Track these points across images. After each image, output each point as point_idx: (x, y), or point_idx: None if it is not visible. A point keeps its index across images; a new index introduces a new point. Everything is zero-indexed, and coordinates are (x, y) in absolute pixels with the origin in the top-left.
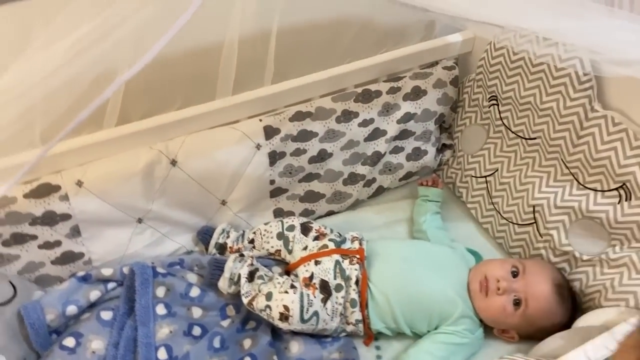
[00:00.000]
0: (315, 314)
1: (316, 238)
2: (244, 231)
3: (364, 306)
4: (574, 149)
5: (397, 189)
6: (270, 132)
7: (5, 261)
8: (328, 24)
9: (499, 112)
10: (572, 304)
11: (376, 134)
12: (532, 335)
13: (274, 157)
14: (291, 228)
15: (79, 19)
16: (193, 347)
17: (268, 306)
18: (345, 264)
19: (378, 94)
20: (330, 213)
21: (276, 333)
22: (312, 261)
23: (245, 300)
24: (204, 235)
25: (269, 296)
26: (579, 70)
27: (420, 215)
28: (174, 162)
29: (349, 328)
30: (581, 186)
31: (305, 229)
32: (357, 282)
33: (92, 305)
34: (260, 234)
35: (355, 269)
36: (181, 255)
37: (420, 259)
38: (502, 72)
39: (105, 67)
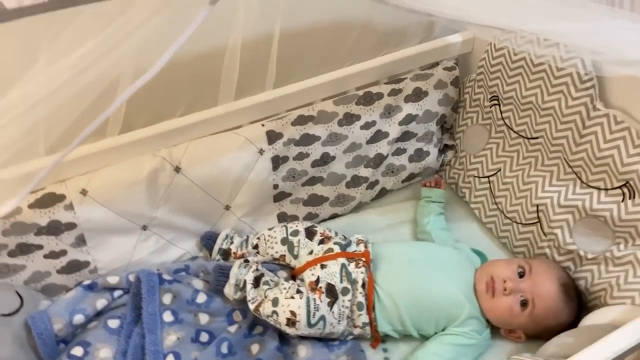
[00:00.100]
0: (322, 318)
1: (321, 242)
2: (247, 236)
3: (370, 309)
4: (576, 147)
5: (400, 190)
6: (272, 136)
7: (12, 271)
8: (329, 27)
9: (501, 112)
10: (578, 303)
11: (378, 136)
12: (539, 334)
13: (277, 161)
14: (295, 233)
15: (85, 34)
16: (201, 354)
17: (275, 312)
18: (351, 267)
19: (379, 96)
20: (334, 216)
21: (283, 337)
22: (318, 265)
23: (251, 307)
24: (208, 241)
25: (275, 302)
26: (580, 70)
27: (424, 217)
28: (177, 169)
29: (356, 331)
30: (584, 185)
31: (310, 233)
32: (363, 285)
33: (98, 314)
34: (265, 239)
35: (362, 272)
36: (186, 262)
37: (426, 261)
38: (503, 72)
39: (110, 81)
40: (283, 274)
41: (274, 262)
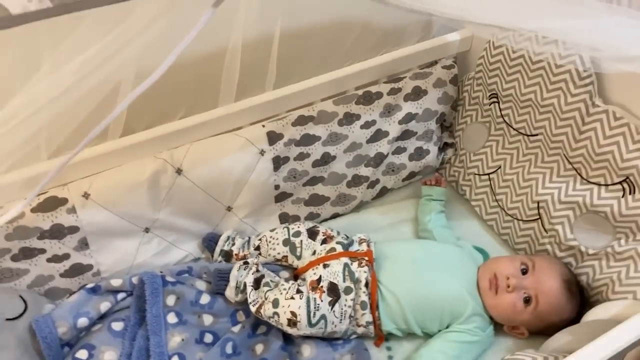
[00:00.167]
0: (323, 317)
1: (324, 241)
2: (249, 238)
3: (374, 308)
4: (576, 144)
5: (401, 189)
6: (273, 137)
7: (15, 276)
8: (327, 27)
9: (500, 110)
10: (581, 298)
11: (378, 135)
12: (542, 330)
13: (278, 162)
14: (297, 234)
15: (87, 40)
16: (206, 355)
17: (276, 313)
18: (354, 266)
19: (379, 95)
20: (335, 216)
21: (288, 337)
22: (321, 265)
23: (253, 309)
24: (209, 243)
25: (275, 303)
26: (579, 67)
27: (425, 215)
28: (179, 171)
29: (360, 330)
30: (584, 181)
31: (312, 234)
32: (366, 285)
33: (102, 317)
34: (266, 240)
35: (365, 272)
36: (189, 263)
37: (429, 259)
38: (502, 69)
39: (113, 86)
40: (285, 274)
41: (276, 263)
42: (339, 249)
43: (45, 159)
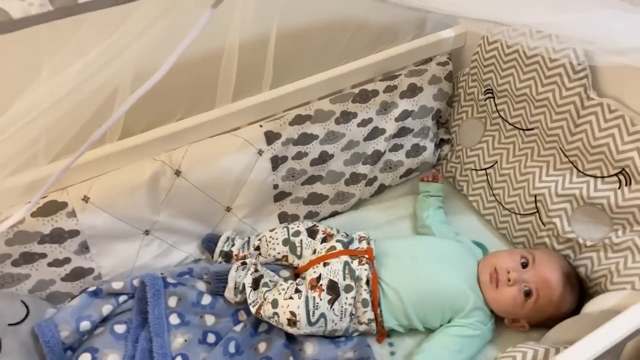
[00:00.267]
0: (322, 315)
1: (324, 240)
2: (249, 238)
3: (376, 305)
4: (572, 137)
5: (399, 186)
6: (271, 137)
7: (16, 281)
8: (323, 27)
9: (495, 105)
10: (580, 290)
11: (375, 133)
12: (543, 323)
13: (276, 161)
14: (297, 233)
15: (87, 44)
16: (209, 355)
17: (275, 313)
18: (355, 264)
19: (375, 93)
20: (334, 214)
21: (290, 335)
22: (321, 263)
23: (252, 310)
24: (209, 244)
25: (274, 303)
26: (573, 60)
27: (424, 211)
28: (178, 172)
29: (362, 327)
30: (581, 173)
31: (312, 233)
32: (367, 282)
33: (104, 320)
34: (266, 240)
35: (365, 269)
36: (189, 265)
37: (429, 255)
38: (497, 65)
39: (112, 90)
40: (285, 273)
41: (276, 262)
42: (339, 247)
43: (45, 164)
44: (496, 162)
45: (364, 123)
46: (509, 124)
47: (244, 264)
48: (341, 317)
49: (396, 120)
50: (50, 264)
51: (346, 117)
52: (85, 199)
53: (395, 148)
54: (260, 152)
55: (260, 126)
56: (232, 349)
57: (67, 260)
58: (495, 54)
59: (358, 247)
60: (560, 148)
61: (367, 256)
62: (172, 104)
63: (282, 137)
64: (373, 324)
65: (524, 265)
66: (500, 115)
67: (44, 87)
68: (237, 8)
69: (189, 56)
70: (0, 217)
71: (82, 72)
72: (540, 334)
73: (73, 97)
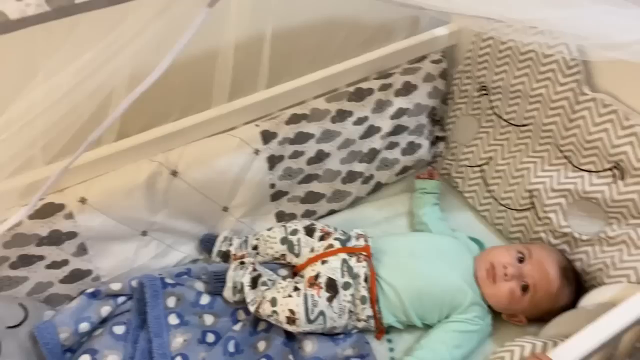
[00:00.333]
0: (321, 313)
1: (321, 238)
2: (246, 237)
3: (374, 302)
4: (566, 132)
5: (395, 183)
6: (267, 136)
7: (14, 284)
8: (317, 26)
9: (490, 102)
10: (577, 284)
11: (371, 131)
12: (540, 317)
13: (273, 161)
14: (295, 232)
15: (83, 46)
16: (209, 354)
17: (274, 311)
18: (353, 261)
19: (370, 91)
20: (331, 212)
21: (289, 333)
22: (319, 261)
23: (251, 309)
24: (206, 244)
25: (273, 302)
26: (567, 56)
27: (420, 208)
28: (174, 173)
29: (360, 324)
30: (576, 168)
31: (310, 231)
32: (366, 279)
33: (103, 321)
34: (264, 239)
35: (363, 266)
36: (187, 265)
37: (427, 251)
38: (490, 61)
39: (110, 91)
40: (283, 272)
41: (274, 261)
42: (337, 245)
43: (42, 166)
44: (491, 158)
45: (359, 121)
46: (504, 120)
47: (242, 263)
48: (340, 315)
49: (391, 118)
50: (48, 266)
51: (342, 115)
52: (83, 201)
53: (391, 146)
54: (256, 152)
55: (257, 126)
56: (231, 348)
57: (65, 262)
58: (488, 50)
59: (356, 245)
60: (554, 143)
61: (365, 253)
62: (168, 105)
63: (278, 137)
64: (372, 321)
65: (521, 260)
66: (494, 112)
67: (40, 89)
68: (233, 8)
69: (184, 56)
70: None
71: (79, 73)
72: (538, 329)
73: (70, 99)
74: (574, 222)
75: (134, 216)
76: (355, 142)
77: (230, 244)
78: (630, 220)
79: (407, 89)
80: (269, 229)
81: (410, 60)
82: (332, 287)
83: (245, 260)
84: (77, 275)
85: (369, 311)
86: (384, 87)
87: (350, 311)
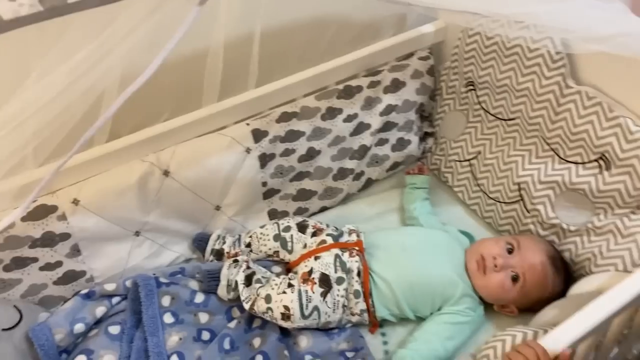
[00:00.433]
0: (316, 308)
1: (314, 234)
2: (239, 235)
3: (367, 296)
4: (552, 125)
5: (386, 179)
6: (258, 135)
7: (8, 286)
8: (306, 24)
9: (477, 97)
10: (566, 274)
11: (361, 128)
12: (531, 307)
13: (264, 159)
14: (287, 229)
15: (75, 46)
16: (204, 352)
17: (269, 308)
18: (346, 256)
19: (359, 89)
20: (323, 209)
21: (284, 329)
22: (312, 257)
23: (246, 306)
24: (200, 243)
25: (268, 299)
26: (551, 50)
27: (411, 203)
28: (166, 173)
29: (354, 318)
30: (562, 160)
31: (302, 227)
32: (359, 274)
33: (98, 322)
34: (257, 237)
35: (356, 261)
36: (181, 264)
37: (418, 245)
38: (477, 57)
39: (101, 92)
40: (277, 269)
41: (267, 258)
42: (330, 240)
43: (34, 168)
44: (479, 152)
45: (349, 119)
46: (491, 114)
47: (235, 261)
48: (334, 309)
49: (381, 115)
50: (42, 268)
51: (332, 113)
52: (75, 202)
53: (381, 142)
54: (248, 150)
55: (247, 124)
56: (227, 345)
57: (58, 264)
58: (475, 46)
59: (348, 240)
60: (541, 136)
61: (357, 248)
62: (158, 105)
63: (269, 135)
64: (365, 315)
65: (510, 251)
66: (482, 107)
67: (32, 90)
68: (222, 7)
69: (174, 56)
70: None
71: (71, 73)
72: (529, 319)
73: (61, 100)
74: (561, 214)
75: (127, 216)
76: (345, 139)
77: (224, 242)
78: (617, 210)
79: (396, 85)
80: (262, 226)
81: (398, 57)
82: (325, 282)
83: (239, 258)
84: (71, 277)
85: (362, 305)
86: (372, 85)
87: (344, 305)
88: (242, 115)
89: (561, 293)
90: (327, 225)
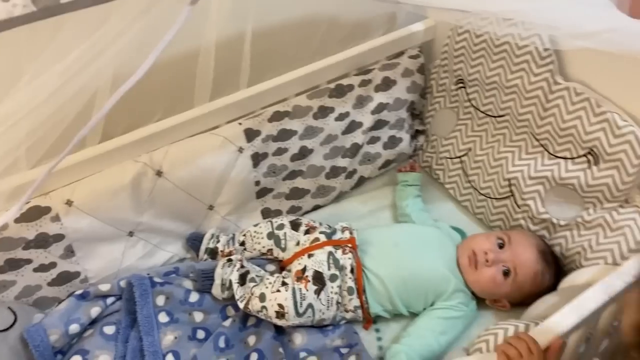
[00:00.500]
0: (310, 306)
1: (307, 232)
2: (233, 234)
3: (361, 292)
4: (541, 121)
5: (378, 177)
6: (250, 134)
7: (2, 288)
8: (297, 24)
9: (467, 94)
10: (556, 267)
11: (352, 126)
12: (522, 301)
13: (257, 158)
14: (281, 227)
15: (66, 49)
16: (199, 350)
17: (264, 307)
18: (339, 254)
19: (350, 87)
20: (316, 207)
21: (279, 327)
22: (306, 255)
23: (241, 305)
24: (194, 242)
25: (262, 297)
26: (539, 46)
27: (403, 200)
28: (159, 173)
29: (348, 315)
30: (552, 156)
31: (295, 225)
32: (352, 270)
33: (93, 322)
34: (251, 235)
35: (349, 258)
36: (175, 264)
37: (410, 241)
38: (466, 55)
39: (93, 93)
40: (271, 267)
41: (261, 257)
42: (323, 238)
43: (27, 169)
44: (470, 149)
45: (341, 117)
46: (481, 112)
47: (229, 260)
48: (328, 306)
49: (372, 113)
50: (36, 270)
51: (324, 112)
52: (69, 203)
53: (373, 140)
54: (240, 150)
55: (240, 124)
56: (222, 343)
57: (52, 265)
58: (464, 44)
59: (341, 238)
60: (530, 132)
61: (350, 245)
62: (150, 105)
63: (261, 134)
64: (359, 311)
65: (501, 246)
66: (471, 104)
67: (25, 90)
68: (213, 7)
69: (166, 57)
70: None
71: (63, 74)
72: (521, 313)
73: (54, 100)
74: (551, 208)
75: (120, 217)
76: (337, 138)
77: (218, 241)
78: (605, 204)
79: (387, 84)
80: (256, 225)
81: (389, 56)
82: (319, 279)
83: (233, 257)
84: (65, 278)
85: (356, 301)
86: (363, 83)
87: (338, 302)
88: (235, 114)
89: (552, 287)
90: (320, 224)
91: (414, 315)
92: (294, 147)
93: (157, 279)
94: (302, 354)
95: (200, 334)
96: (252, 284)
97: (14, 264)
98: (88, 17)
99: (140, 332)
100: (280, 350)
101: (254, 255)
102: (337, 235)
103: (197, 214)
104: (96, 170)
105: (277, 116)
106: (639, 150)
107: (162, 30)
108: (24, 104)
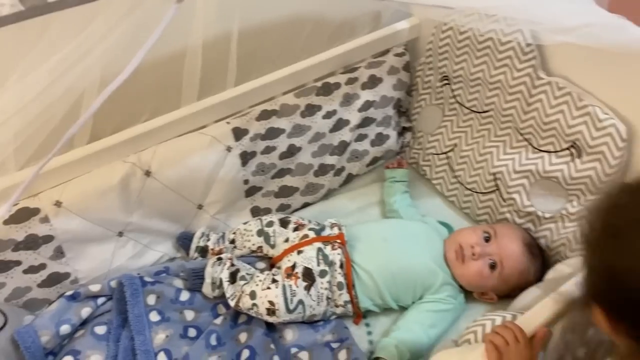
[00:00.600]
0: (300, 302)
1: (296, 229)
2: (223, 233)
3: (350, 287)
4: (525, 116)
5: (366, 174)
6: (238, 133)
7: None
8: (283, 23)
9: (452, 91)
10: (542, 259)
11: (340, 124)
12: (509, 293)
13: (245, 157)
14: (270, 224)
15: (53, 49)
16: (191, 348)
17: (254, 304)
18: (328, 249)
19: (337, 86)
20: (305, 205)
21: (270, 323)
22: (295, 252)
23: (231, 303)
24: (184, 241)
25: (253, 295)
26: (522, 42)
27: (391, 196)
28: (148, 173)
29: (339, 310)
30: (536, 150)
31: (284, 223)
32: (341, 266)
33: (84, 323)
34: (240, 233)
35: (338, 254)
36: (165, 263)
37: (398, 236)
38: (451, 52)
39: (81, 93)
40: (261, 264)
41: (251, 254)
42: (312, 234)
43: (14, 171)
44: (456, 145)
45: (328, 115)
46: (466, 107)
47: (219, 259)
48: (318, 302)
49: (359, 110)
50: (25, 271)
51: (311, 110)
52: (58, 204)
53: (360, 138)
54: (228, 149)
55: (228, 123)
56: (213, 341)
57: (42, 266)
58: (448, 41)
59: (330, 234)
60: (515, 127)
61: (339, 241)
62: (138, 105)
63: (249, 133)
64: (349, 306)
65: (487, 240)
66: (456, 101)
67: (12, 90)
68: (199, 6)
69: (153, 57)
70: None
71: (50, 73)
72: (508, 305)
73: (41, 101)
74: (536, 201)
75: (110, 217)
76: (325, 136)
77: (208, 239)
78: (589, 196)
79: (373, 82)
80: (245, 223)
81: (375, 54)
82: (308, 276)
83: (223, 255)
84: (55, 279)
85: (346, 296)
86: (350, 81)
87: (328, 298)
88: (222, 113)
89: (538, 278)
90: (309, 221)
91: (403, 309)
92: (282, 146)
93: (147, 279)
94: (294, 350)
95: (192, 332)
96: (242, 282)
97: (3, 266)
98: (75, 16)
99: (132, 332)
100: (272, 346)
101: (244, 253)
102: (326, 232)
103: (186, 213)
104: (85, 171)
105: (265, 115)
106: (620, 142)
107: (149, 29)
108: (11, 103)
